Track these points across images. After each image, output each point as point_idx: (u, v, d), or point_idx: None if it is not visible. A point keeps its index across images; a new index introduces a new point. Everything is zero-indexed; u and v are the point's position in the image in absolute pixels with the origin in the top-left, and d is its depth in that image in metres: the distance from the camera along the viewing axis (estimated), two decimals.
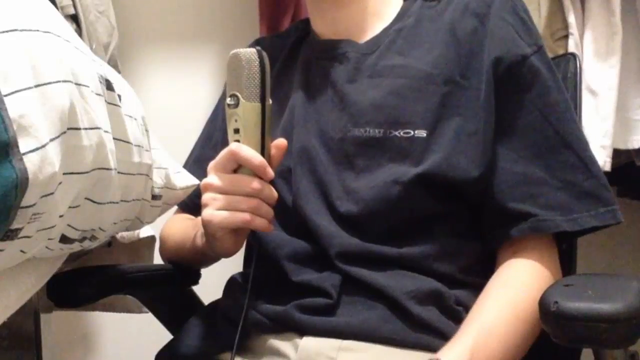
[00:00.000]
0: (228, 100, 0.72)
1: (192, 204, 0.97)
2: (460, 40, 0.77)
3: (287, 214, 0.79)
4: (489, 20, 0.77)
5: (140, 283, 0.94)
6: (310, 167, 0.79)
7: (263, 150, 0.73)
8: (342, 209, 0.76)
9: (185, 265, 0.96)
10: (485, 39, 0.76)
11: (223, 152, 0.72)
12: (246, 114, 0.71)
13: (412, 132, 0.75)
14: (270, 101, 0.73)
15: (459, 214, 0.76)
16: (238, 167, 0.72)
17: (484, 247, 0.77)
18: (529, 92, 0.75)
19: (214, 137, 0.98)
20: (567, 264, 0.80)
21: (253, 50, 0.71)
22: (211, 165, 0.73)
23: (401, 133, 0.75)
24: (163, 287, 0.99)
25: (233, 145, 0.71)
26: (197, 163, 0.98)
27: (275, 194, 0.72)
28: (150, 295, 0.98)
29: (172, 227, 0.98)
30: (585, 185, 0.73)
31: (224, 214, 0.71)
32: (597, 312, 0.53)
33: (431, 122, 0.75)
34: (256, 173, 0.71)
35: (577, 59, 0.89)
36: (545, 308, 0.56)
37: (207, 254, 0.84)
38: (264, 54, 0.72)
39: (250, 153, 0.70)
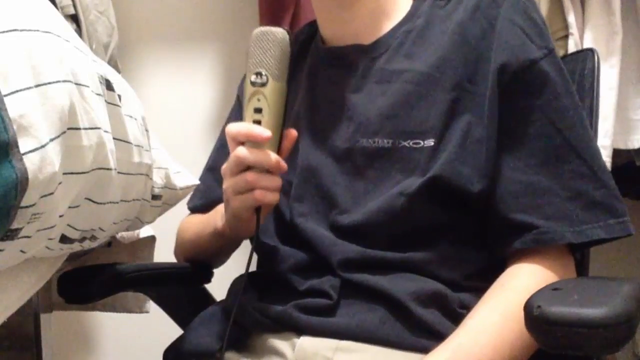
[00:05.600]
0: (253, 78, 0.70)
1: (202, 207, 0.98)
2: (469, 43, 0.75)
3: (286, 227, 0.79)
4: (498, 22, 0.74)
5: (152, 281, 0.95)
6: (316, 183, 0.79)
7: (281, 135, 0.72)
8: (347, 220, 0.75)
9: (203, 257, 0.97)
10: (493, 43, 0.74)
11: (232, 158, 0.72)
12: (273, 94, 0.70)
13: (422, 143, 0.73)
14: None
15: (463, 224, 0.75)
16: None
17: (491, 255, 0.75)
18: (538, 98, 0.72)
19: (227, 145, 0.98)
20: (578, 272, 0.77)
21: (283, 30, 0.70)
22: (223, 168, 0.75)
23: (410, 143, 0.74)
24: (176, 285, 1.00)
25: (240, 152, 0.71)
26: (210, 171, 0.99)
27: (273, 157, 0.72)
28: (163, 294, 0.99)
29: (187, 223, 0.99)
30: (595, 195, 0.70)
31: (240, 197, 0.73)
32: (579, 317, 0.52)
33: (439, 130, 0.73)
34: (271, 171, 0.71)
35: (596, 54, 0.85)
36: (529, 312, 0.55)
37: (226, 237, 0.85)
38: (291, 35, 0.71)
39: (259, 157, 0.71)
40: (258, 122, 0.70)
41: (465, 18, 0.76)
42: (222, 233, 0.85)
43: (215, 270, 1.01)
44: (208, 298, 1.02)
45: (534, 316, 0.54)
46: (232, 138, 0.72)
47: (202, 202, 0.98)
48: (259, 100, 0.70)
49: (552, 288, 0.59)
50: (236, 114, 0.99)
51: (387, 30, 0.81)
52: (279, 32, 0.70)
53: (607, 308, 0.52)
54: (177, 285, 1.01)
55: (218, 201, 0.93)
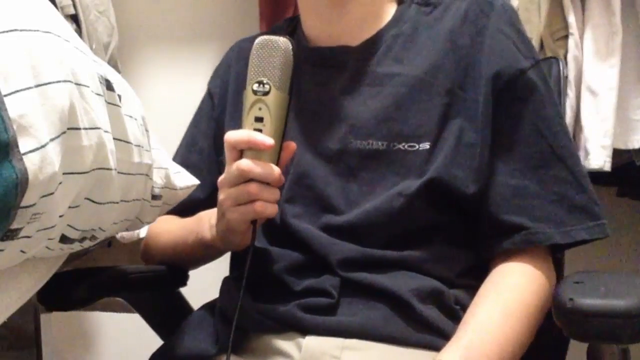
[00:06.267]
0: (255, 87, 0.69)
1: (176, 209, 0.96)
2: (460, 50, 0.77)
3: (277, 229, 0.79)
4: (487, 31, 0.77)
5: (128, 285, 0.93)
6: (308, 185, 0.78)
7: (281, 146, 0.71)
8: (343, 220, 0.76)
9: (180, 263, 0.95)
10: (483, 52, 0.76)
11: (233, 170, 0.70)
12: (276, 104, 0.69)
13: (417, 146, 0.75)
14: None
15: (457, 225, 0.77)
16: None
17: (479, 256, 0.78)
18: (525, 107, 0.75)
19: (198, 142, 0.96)
20: (556, 270, 0.80)
21: (286, 39, 0.70)
22: (221, 180, 0.73)
23: (405, 146, 0.75)
24: (152, 289, 0.98)
25: (244, 164, 0.69)
26: None
27: (276, 171, 0.70)
28: (140, 298, 0.97)
29: (163, 226, 0.96)
30: (576, 199, 0.74)
31: (240, 209, 0.71)
32: (613, 308, 0.55)
33: (434, 133, 0.75)
34: (272, 184, 0.70)
35: (561, 63, 0.90)
36: (561, 305, 0.57)
37: (213, 247, 0.84)
38: (295, 45, 0.70)
39: (264, 170, 0.69)
40: (259, 131, 0.69)
41: (455, 27, 0.78)
42: (210, 244, 0.83)
43: (192, 272, 0.98)
44: (183, 302, 1.01)
45: (568, 308, 0.56)
46: (232, 145, 0.70)
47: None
48: (260, 109, 0.69)
49: (574, 281, 0.62)
50: (209, 110, 0.96)
51: (373, 33, 0.82)
52: (283, 41, 0.69)
53: (638, 298, 0.56)
54: (152, 289, 0.98)
55: (193, 202, 0.92)
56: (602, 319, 0.55)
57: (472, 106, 0.75)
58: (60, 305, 0.85)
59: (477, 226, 0.77)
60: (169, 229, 0.95)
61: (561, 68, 0.89)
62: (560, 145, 0.75)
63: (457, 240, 0.77)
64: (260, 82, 0.69)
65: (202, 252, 0.89)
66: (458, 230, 0.77)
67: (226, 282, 0.84)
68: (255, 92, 0.69)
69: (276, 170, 0.70)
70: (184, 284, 0.98)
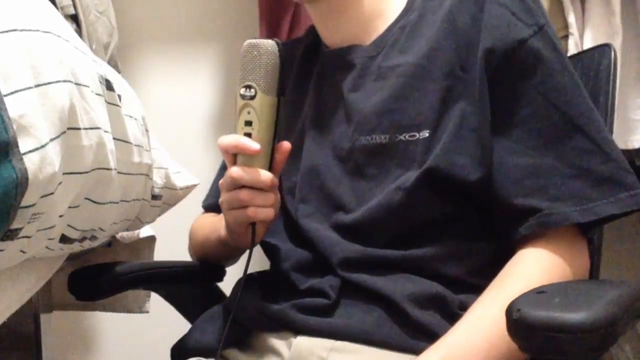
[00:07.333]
0: (242, 91, 0.70)
1: (215, 206, 0.98)
2: (459, 30, 0.73)
3: (293, 227, 0.80)
4: (486, 6, 0.73)
5: (163, 279, 0.97)
6: (319, 184, 0.79)
7: (273, 148, 0.73)
8: (350, 219, 0.75)
9: (211, 259, 0.98)
10: (481, 28, 0.72)
11: (226, 176, 0.72)
12: (262, 107, 0.70)
13: (417, 135, 0.73)
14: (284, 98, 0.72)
15: (466, 216, 0.74)
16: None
17: (500, 246, 0.73)
18: (532, 78, 0.70)
19: None
20: (591, 255, 0.74)
21: (272, 42, 0.70)
22: (221, 182, 0.75)
23: (406, 137, 0.74)
24: (187, 283, 1.01)
25: (235, 173, 0.71)
26: (222, 170, 0.98)
27: (265, 177, 0.72)
28: (174, 292, 1.00)
29: (199, 223, 0.99)
30: (602, 170, 0.67)
31: (233, 213, 0.73)
32: (558, 322, 0.50)
33: (434, 120, 0.72)
34: (264, 189, 0.72)
35: (613, 50, 0.83)
36: (509, 315, 0.53)
37: (228, 244, 0.85)
38: (281, 47, 0.71)
39: (253, 177, 0.71)
40: (248, 135, 0.71)
41: (454, 6, 0.75)
42: (226, 242, 0.85)
43: (229, 269, 1.01)
44: (220, 296, 1.02)
45: (513, 320, 0.52)
46: (223, 150, 0.72)
47: (215, 200, 0.97)
48: (248, 113, 0.71)
49: (537, 291, 0.57)
50: None
51: (384, 29, 0.81)
52: (269, 45, 0.70)
53: (587, 313, 0.50)
54: (187, 284, 1.02)
55: None
56: (545, 332, 0.50)
57: (472, 87, 0.71)
58: (93, 295, 0.90)
59: (492, 215, 0.73)
60: (202, 226, 0.97)
61: (613, 56, 0.82)
62: (577, 113, 0.69)
63: (470, 233, 0.73)
64: (247, 87, 0.70)
65: (222, 249, 0.91)
66: (469, 222, 0.73)
67: (239, 282, 0.85)
68: (242, 97, 0.70)
69: (265, 176, 0.71)
70: (220, 279, 1.00)
